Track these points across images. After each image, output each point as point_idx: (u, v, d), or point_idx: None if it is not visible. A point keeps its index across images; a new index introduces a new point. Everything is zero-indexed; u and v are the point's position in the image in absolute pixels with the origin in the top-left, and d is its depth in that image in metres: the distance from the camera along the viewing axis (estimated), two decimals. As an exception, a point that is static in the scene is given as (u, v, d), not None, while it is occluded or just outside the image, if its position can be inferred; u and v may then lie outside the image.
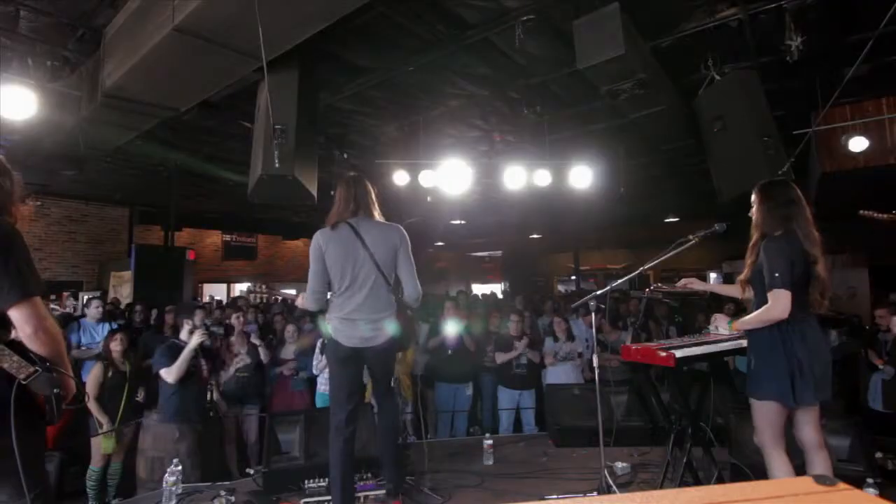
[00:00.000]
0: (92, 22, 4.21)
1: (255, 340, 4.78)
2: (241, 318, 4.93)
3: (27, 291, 1.59)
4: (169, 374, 3.73)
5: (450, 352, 5.25)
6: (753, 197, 2.68)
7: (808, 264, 2.43)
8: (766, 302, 2.46)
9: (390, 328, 2.81)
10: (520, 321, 5.30)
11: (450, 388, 5.26)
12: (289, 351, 5.02)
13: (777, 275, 2.38)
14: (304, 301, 2.91)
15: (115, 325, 5.39)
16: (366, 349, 2.77)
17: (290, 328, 5.15)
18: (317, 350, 4.61)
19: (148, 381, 4.60)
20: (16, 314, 1.58)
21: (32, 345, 1.61)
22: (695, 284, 3.13)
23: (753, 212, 2.65)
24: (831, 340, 4.98)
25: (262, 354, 4.75)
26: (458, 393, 5.27)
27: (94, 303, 5.49)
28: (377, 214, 2.92)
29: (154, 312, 6.22)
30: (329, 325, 2.84)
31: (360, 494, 3.21)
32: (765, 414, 2.47)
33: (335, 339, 2.80)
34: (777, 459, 2.47)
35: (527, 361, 5.17)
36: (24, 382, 1.54)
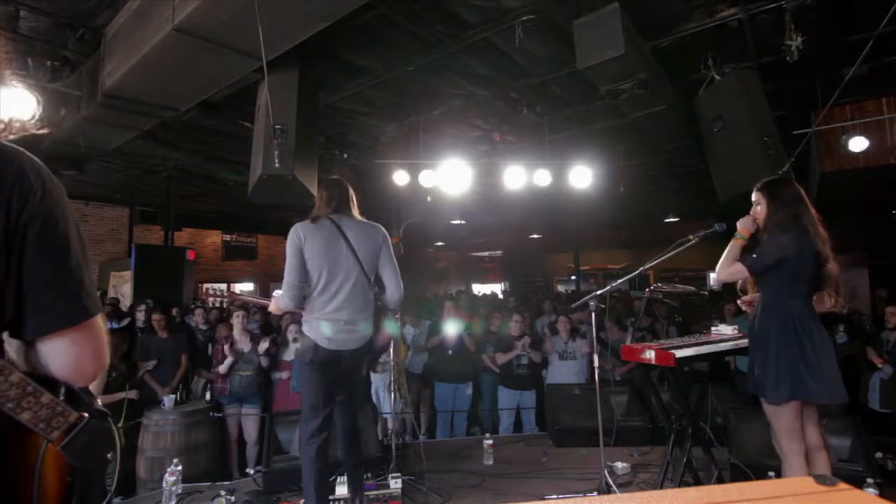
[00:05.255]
0: (92, 22, 4.21)
1: (260, 349, 4.72)
2: (240, 316, 4.88)
3: (89, 310, 0.90)
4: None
5: (450, 352, 5.25)
6: (756, 196, 2.61)
7: (820, 263, 2.41)
8: (769, 295, 2.47)
9: (367, 330, 2.72)
10: (522, 322, 5.31)
11: (449, 387, 5.26)
12: (291, 353, 4.91)
13: (755, 256, 2.43)
14: (278, 303, 2.74)
15: (114, 325, 5.39)
16: (343, 352, 2.66)
17: (293, 328, 4.98)
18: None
19: (142, 381, 4.61)
20: (60, 344, 0.87)
21: (67, 377, 0.90)
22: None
23: (758, 212, 2.58)
24: (839, 336, 4.96)
25: (263, 362, 4.73)
26: (458, 393, 5.27)
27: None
28: (357, 214, 2.84)
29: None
30: (306, 327, 2.71)
31: (360, 494, 3.20)
32: (774, 414, 2.42)
33: (314, 341, 2.65)
34: (793, 466, 2.36)
35: (528, 362, 5.18)
36: (59, 447, 0.85)
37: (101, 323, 0.94)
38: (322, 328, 2.64)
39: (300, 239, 2.65)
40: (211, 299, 3.54)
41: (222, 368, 4.60)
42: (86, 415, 0.89)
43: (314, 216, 2.74)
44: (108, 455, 0.95)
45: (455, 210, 10.88)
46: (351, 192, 2.88)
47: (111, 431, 0.95)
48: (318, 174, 4.80)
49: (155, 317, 4.94)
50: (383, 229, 2.87)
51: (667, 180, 9.30)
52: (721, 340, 3.00)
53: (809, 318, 2.40)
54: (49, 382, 0.87)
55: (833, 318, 5.04)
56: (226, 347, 4.66)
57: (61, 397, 0.88)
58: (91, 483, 0.92)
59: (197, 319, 5.97)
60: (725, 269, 2.52)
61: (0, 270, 0.82)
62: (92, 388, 1.06)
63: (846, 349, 4.84)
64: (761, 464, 3.17)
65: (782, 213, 2.48)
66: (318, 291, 2.65)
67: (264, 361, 4.74)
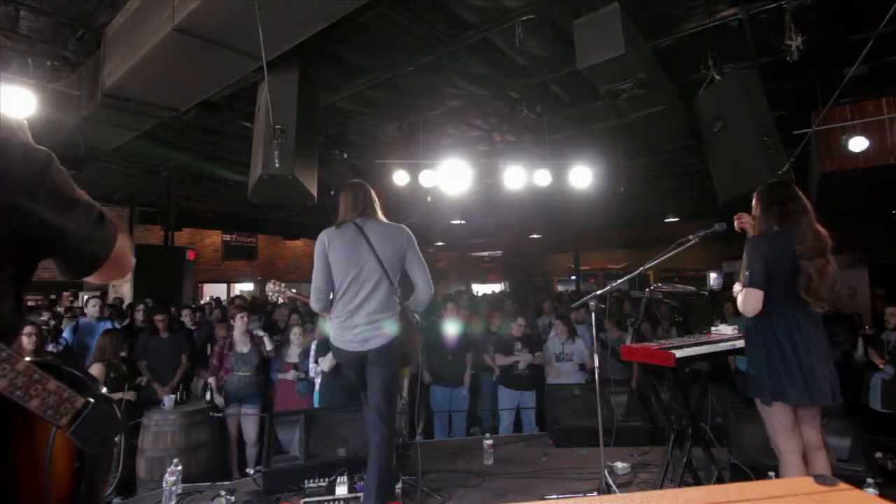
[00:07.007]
0: (92, 22, 4.21)
1: (258, 332, 4.76)
2: (245, 318, 4.88)
3: (104, 253, 1.05)
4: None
5: (450, 357, 5.22)
6: (753, 200, 2.67)
7: (796, 261, 2.40)
8: None
9: (390, 328, 2.76)
10: (525, 326, 5.31)
11: (445, 391, 5.24)
12: (293, 353, 4.90)
13: (748, 273, 2.41)
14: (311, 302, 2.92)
15: (116, 325, 5.39)
16: (366, 352, 2.73)
17: (296, 330, 5.00)
18: (311, 353, 4.55)
19: (140, 381, 4.62)
20: (93, 276, 1.09)
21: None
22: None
23: (753, 208, 2.64)
24: (857, 349, 4.90)
25: (267, 344, 4.76)
26: (455, 394, 5.26)
27: (93, 301, 5.49)
28: (382, 216, 2.93)
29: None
30: (331, 332, 2.83)
31: (360, 494, 3.21)
32: (766, 413, 2.44)
33: (335, 344, 2.80)
34: (789, 464, 2.37)
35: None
36: (67, 433, 0.87)
37: (118, 250, 1.06)
38: (342, 332, 2.74)
39: (325, 245, 2.78)
40: (271, 294, 3.62)
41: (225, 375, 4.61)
42: (91, 400, 0.90)
43: (339, 221, 2.83)
44: (115, 438, 0.97)
45: (455, 210, 10.89)
46: (374, 194, 2.94)
47: (116, 415, 0.97)
48: (318, 174, 4.81)
49: (157, 317, 4.97)
50: (408, 230, 2.91)
51: (667, 180, 9.30)
52: (721, 340, 3.00)
53: (792, 318, 2.40)
54: (52, 368, 0.89)
55: (831, 319, 5.02)
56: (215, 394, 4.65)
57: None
58: (98, 466, 0.94)
59: (185, 320, 5.95)
60: (744, 306, 2.43)
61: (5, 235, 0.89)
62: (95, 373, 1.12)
63: (862, 359, 4.81)
64: (761, 464, 3.17)
65: (765, 215, 2.52)
66: (341, 293, 2.75)
67: (269, 346, 4.76)
